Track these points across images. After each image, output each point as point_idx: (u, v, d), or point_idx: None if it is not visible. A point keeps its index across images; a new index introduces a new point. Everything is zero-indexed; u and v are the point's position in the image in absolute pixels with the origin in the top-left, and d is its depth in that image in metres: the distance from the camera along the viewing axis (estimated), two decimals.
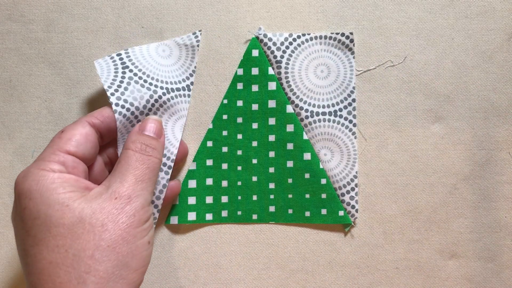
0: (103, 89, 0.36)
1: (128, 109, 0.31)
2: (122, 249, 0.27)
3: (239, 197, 0.36)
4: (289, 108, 0.35)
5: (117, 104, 0.31)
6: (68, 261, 0.26)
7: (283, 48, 0.35)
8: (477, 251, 0.36)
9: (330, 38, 0.35)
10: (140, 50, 0.34)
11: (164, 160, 0.33)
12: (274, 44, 0.35)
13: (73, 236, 0.27)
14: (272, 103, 0.36)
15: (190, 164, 0.36)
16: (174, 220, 0.36)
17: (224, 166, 0.36)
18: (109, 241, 0.27)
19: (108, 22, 0.36)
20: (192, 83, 0.35)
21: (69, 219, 0.27)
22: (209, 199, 0.36)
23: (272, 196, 0.36)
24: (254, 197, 0.36)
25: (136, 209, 0.28)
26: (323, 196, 0.35)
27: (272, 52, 0.35)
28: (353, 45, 0.35)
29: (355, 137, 0.36)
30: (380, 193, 0.36)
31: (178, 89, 0.34)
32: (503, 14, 0.35)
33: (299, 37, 0.36)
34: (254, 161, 0.36)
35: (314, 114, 0.35)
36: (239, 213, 0.36)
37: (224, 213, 0.36)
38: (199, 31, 0.35)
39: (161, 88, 0.33)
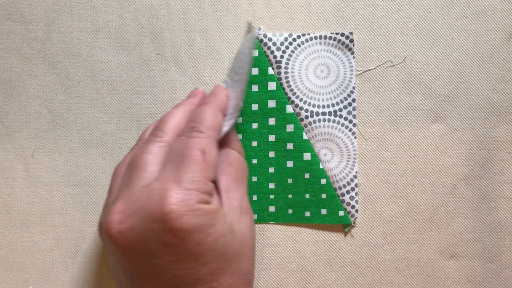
0: (103, 88, 0.36)
1: None
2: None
3: None
4: (289, 108, 0.35)
5: None
6: (243, 281, 0.28)
7: (283, 48, 0.35)
8: (477, 251, 0.36)
9: (330, 38, 0.35)
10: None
11: None
12: (274, 44, 0.35)
13: (241, 258, 0.28)
14: (272, 103, 0.36)
15: None
16: None
17: None
18: (254, 255, 0.29)
19: (108, 22, 0.36)
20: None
21: (238, 245, 0.28)
22: None
23: (272, 196, 0.36)
24: (254, 197, 0.36)
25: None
26: (323, 196, 0.35)
27: (272, 52, 0.35)
28: (353, 45, 0.35)
29: (355, 137, 0.36)
30: (380, 193, 0.36)
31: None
32: (503, 14, 0.35)
33: (299, 37, 0.36)
34: (254, 161, 0.36)
35: (314, 114, 0.35)
36: None
37: None
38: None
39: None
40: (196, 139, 0.28)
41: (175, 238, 0.25)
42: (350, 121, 0.36)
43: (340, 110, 0.36)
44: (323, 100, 0.36)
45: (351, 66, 0.36)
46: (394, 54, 0.36)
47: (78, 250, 0.36)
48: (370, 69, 0.36)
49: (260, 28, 0.36)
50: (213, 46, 0.36)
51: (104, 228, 0.26)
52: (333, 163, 0.35)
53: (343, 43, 0.35)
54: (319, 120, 0.35)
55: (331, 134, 0.35)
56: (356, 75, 0.36)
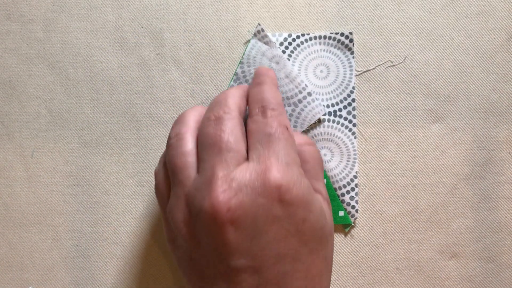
0: (103, 88, 0.36)
1: None
2: None
3: None
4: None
5: None
6: (328, 267, 0.28)
7: (282, 48, 0.35)
8: (477, 251, 0.36)
9: (330, 38, 0.35)
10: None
11: None
12: (274, 43, 0.35)
13: (328, 244, 0.28)
14: None
15: None
16: None
17: None
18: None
19: (107, 22, 0.36)
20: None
21: (329, 229, 0.28)
22: None
23: None
24: None
25: None
26: None
27: None
28: (353, 45, 0.35)
29: (355, 137, 0.36)
30: (380, 193, 0.36)
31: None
32: (503, 14, 0.35)
33: (298, 37, 0.35)
34: None
35: None
36: None
37: None
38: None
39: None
40: (275, 117, 0.28)
41: (283, 211, 0.25)
42: (350, 121, 0.36)
43: (340, 110, 0.36)
44: (322, 100, 0.35)
45: (351, 66, 0.36)
46: (394, 54, 0.36)
47: (78, 250, 0.36)
48: (370, 69, 0.36)
49: (258, 25, 0.35)
50: (213, 46, 0.36)
51: (208, 210, 0.25)
52: (333, 163, 0.35)
53: (342, 43, 0.35)
54: (319, 120, 0.35)
55: (331, 134, 0.35)
56: (356, 75, 0.36)
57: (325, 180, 0.35)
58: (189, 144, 0.28)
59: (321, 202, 0.29)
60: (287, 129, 0.28)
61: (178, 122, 0.30)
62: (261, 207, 0.25)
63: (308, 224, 0.26)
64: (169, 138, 0.29)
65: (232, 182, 0.26)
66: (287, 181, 0.26)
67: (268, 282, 0.26)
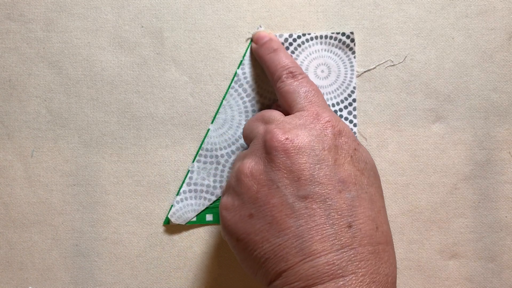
0: (103, 88, 0.36)
1: None
2: None
3: None
4: None
5: None
6: (385, 211, 0.29)
7: None
8: (477, 251, 0.36)
9: (331, 38, 0.35)
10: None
11: None
12: None
13: (380, 184, 0.29)
14: None
15: (189, 165, 0.36)
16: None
17: None
18: None
19: (107, 22, 0.36)
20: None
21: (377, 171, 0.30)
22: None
23: None
24: None
25: None
26: None
27: None
28: (354, 44, 0.35)
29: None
30: None
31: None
32: (503, 14, 0.35)
33: (299, 37, 0.35)
34: None
35: None
36: None
37: None
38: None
39: None
40: (305, 78, 0.32)
41: (336, 141, 0.28)
42: (351, 121, 0.35)
43: (341, 110, 0.35)
44: None
45: (352, 66, 0.35)
46: (395, 53, 0.36)
47: (78, 250, 0.36)
48: (370, 69, 0.36)
49: (260, 26, 0.35)
50: (213, 45, 0.36)
51: (268, 142, 0.28)
52: None
53: (344, 43, 0.35)
54: None
55: None
56: (357, 76, 0.36)
57: None
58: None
59: None
60: (318, 88, 0.32)
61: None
62: (316, 138, 0.28)
63: (359, 153, 0.28)
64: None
65: (286, 124, 0.29)
66: (335, 119, 0.29)
67: (338, 210, 0.26)
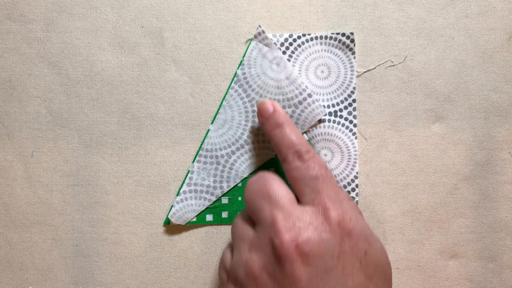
0: (103, 88, 0.36)
1: None
2: None
3: (239, 198, 0.36)
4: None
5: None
6: None
7: (283, 49, 0.35)
8: (477, 251, 0.36)
9: (331, 38, 0.35)
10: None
11: None
12: (274, 45, 0.35)
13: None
14: None
15: (189, 165, 0.36)
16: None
17: None
18: None
19: (107, 22, 0.36)
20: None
21: (391, 272, 0.29)
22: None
23: None
24: None
25: None
26: None
27: None
28: (354, 45, 0.35)
29: (356, 137, 0.36)
30: (380, 193, 0.36)
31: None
32: (503, 14, 0.35)
33: (299, 37, 0.35)
34: None
35: None
36: None
37: (224, 214, 0.36)
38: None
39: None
40: (312, 159, 0.30)
41: (347, 245, 0.27)
42: (351, 122, 0.35)
43: (341, 110, 0.36)
44: (323, 100, 0.35)
45: (352, 67, 0.36)
46: (395, 53, 0.36)
47: (78, 250, 0.36)
48: (370, 69, 0.36)
49: (259, 27, 0.35)
50: (213, 46, 0.36)
51: (278, 249, 0.27)
52: (333, 164, 0.35)
53: (343, 43, 0.35)
54: (320, 120, 0.35)
55: (331, 135, 0.35)
56: (357, 77, 0.36)
57: None
58: (239, 218, 0.31)
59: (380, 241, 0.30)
60: (326, 168, 0.30)
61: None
62: (327, 243, 0.27)
63: (369, 257, 0.27)
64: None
65: (295, 222, 0.27)
66: (345, 216, 0.28)
67: None
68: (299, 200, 0.30)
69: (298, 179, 0.30)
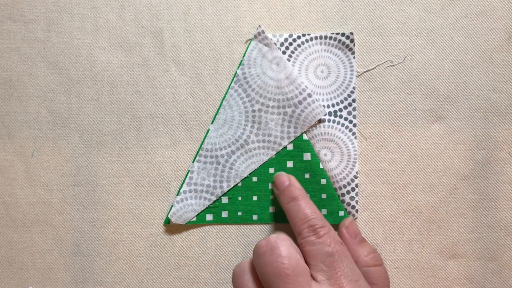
0: (103, 88, 0.36)
1: None
2: None
3: (239, 198, 0.36)
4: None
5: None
6: None
7: (283, 48, 0.35)
8: (477, 251, 0.36)
9: (331, 38, 0.35)
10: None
11: None
12: (274, 45, 0.35)
13: None
14: None
15: (189, 165, 0.36)
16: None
17: None
18: None
19: (108, 22, 0.36)
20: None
21: None
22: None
23: (272, 197, 0.36)
24: (254, 198, 0.36)
25: None
26: (323, 196, 0.35)
27: None
28: (354, 45, 0.35)
29: (355, 137, 0.36)
30: (380, 193, 0.36)
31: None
32: (503, 14, 0.35)
33: (299, 37, 0.35)
34: None
35: None
36: (239, 213, 0.36)
37: (224, 214, 0.36)
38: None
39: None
40: (328, 234, 0.31)
41: None
42: (350, 121, 0.36)
43: (340, 110, 0.36)
44: (323, 100, 0.35)
45: (352, 66, 0.36)
46: (394, 53, 0.36)
47: (78, 250, 0.36)
48: (370, 69, 0.36)
49: (259, 27, 0.35)
50: (213, 46, 0.36)
51: None
52: (333, 163, 0.35)
53: (343, 43, 0.35)
54: (319, 120, 0.35)
55: (331, 134, 0.35)
56: (357, 77, 0.36)
57: (325, 180, 0.35)
58: (248, 277, 0.31)
59: None
60: (342, 244, 0.31)
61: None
62: None
63: None
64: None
65: None
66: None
67: None
68: (312, 273, 0.30)
69: (313, 254, 0.30)
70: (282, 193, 0.33)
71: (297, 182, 0.34)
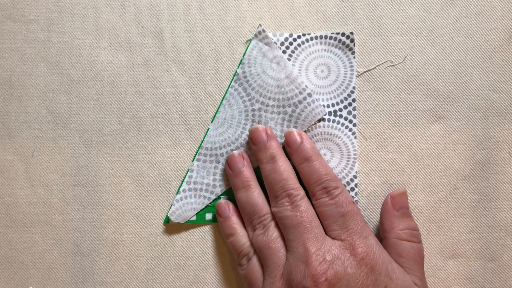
0: (103, 88, 0.36)
1: None
2: None
3: None
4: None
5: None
6: None
7: (283, 48, 0.35)
8: (477, 251, 0.36)
9: (331, 38, 0.35)
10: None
11: None
12: (275, 44, 0.35)
13: None
14: None
15: (189, 164, 0.36)
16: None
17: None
18: None
19: (108, 22, 0.36)
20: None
21: None
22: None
23: None
24: None
25: None
26: None
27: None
28: (354, 45, 0.35)
29: (355, 137, 0.36)
30: (380, 193, 0.36)
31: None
32: (503, 14, 0.35)
33: (299, 37, 0.35)
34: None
35: None
36: None
37: None
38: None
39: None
40: (341, 195, 0.32)
41: (369, 278, 0.30)
42: (350, 121, 0.36)
43: (340, 110, 0.36)
44: (323, 100, 0.36)
45: (352, 66, 0.36)
46: (394, 53, 0.36)
47: (78, 250, 0.36)
48: (370, 69, 0.36)
49: (259, 25, 0.35)
50: (213, 46, 0.36)
51: (308, 282, 0.29)
52: (333, 163, 0.35)
53: (343, 43, 0.35)
54: (319, 120, 0.35)
55: (331, 134, 0.35)
56: (357, 76, 0.36)
57: None
58: (274, 231, 0.32)
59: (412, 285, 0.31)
60: (353, 203, 0.32)
61: (252, 211, 0.33)
62: (352, 277, 0.30)
63: (394, 285, 0.30)
64: (255, 229, 0.33)
65: (325, 255, 0.30)
66: (369, 252, 0.30)
67: None
68: (326, 232, 0.32)
69: (326, 215, 0.32)
70: (295, 152, 0.34)
71: (309, 140, 0.34)
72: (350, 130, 0.36)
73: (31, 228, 0.36)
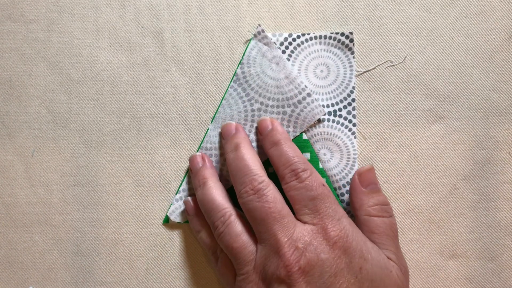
0: (103, 88, 0.36)
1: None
2: None
3: None
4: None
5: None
6: None
7: (282, 48, 0.35)
8: (477, 251, 0.36)
9: (330, 38, 0.35)
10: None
11: None
12: (274, 44, 0.35)
13: None
14: None
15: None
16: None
17: None
18: None
19: (108, 22, 0.36)
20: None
21: (393, 285, 0.30)
22: None
23: None
24: None
25: None
26: None
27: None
28: (353, 45, 0.35)
29: (355, 137, 0.36)
30: None
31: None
32: (503, 14, 0.35)
33: (298, 37, 0.35)
34: None
35: None
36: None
37: None
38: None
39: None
40: (310, 178, 0.31)
41: (343, 261, 0.29)
42: (350, 121, 0.36)
43: (340, 110, 0.36)
44: (322, 100, 0.35)
45: (351, 66, 0.36)
46: (394, 53, 0.36)
47: (78, 250, 0.36)
48: (370, 69, 0.36)
49: (259, 26, 0.35)
50: (213, 46, 0.36)
51: (283, 273, 0.29)
52: (332, 163, 0.35)
53: (343, 43, 0.35)
54: (319, 120, 0.35)
55: (330, 134, 0.35)
56: (356, 76, 0.36)
57: (324, 179, 0.35)
58: (238, 225, 0.32)
59: (389, 265, 0.31)
60: (324, 185, 0.31)
61: (209, 208, 0.32)
62: (325, 262, 0.29)
63: (365, 272, 0.29)
64: (215, 227, 0.32)
65: (297, 243, 0.29)
66: (342, 234, 0.30)
67: None
68: (297, 216, 0.31)
69: (296, 199, 0.31)
70: (265, 138, 0.33)
71: (280, 126, 0.34)
72: (350, 130, 0.36)
73: (31, 228, 0.36)
